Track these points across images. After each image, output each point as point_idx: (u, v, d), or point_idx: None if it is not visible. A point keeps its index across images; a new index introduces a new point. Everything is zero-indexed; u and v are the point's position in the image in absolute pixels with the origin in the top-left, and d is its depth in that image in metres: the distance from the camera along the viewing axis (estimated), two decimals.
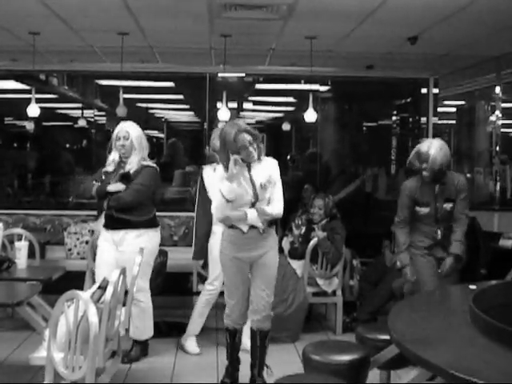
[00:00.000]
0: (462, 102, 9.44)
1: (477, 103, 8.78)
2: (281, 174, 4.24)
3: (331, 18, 5.25)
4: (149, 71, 7.74)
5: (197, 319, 5.30)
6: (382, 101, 9.31)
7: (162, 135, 9.84)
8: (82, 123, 9.05)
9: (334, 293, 5.88)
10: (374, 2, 4.78)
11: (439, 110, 7.88)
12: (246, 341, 4.53)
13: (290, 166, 8.50)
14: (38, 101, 6.73)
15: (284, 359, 4.96)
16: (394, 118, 9.62)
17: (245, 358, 4.43)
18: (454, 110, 9.59)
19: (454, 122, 9.54)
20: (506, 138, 7.99)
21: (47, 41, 6.13)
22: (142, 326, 4.98)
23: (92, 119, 9.02)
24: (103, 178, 4.90)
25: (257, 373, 4.34)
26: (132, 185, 4.81)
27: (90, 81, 8.76)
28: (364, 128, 9.98)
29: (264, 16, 5.16)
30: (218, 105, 7.35)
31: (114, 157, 4.94)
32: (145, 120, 9.33)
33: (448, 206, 4.74)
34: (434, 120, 7.71)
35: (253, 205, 4.09)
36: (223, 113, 6.69)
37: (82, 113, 9.19)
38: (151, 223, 4.96)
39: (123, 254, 4.79)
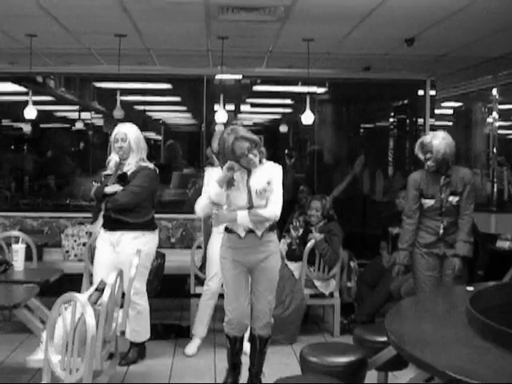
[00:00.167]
0: (459, 104, 9.46)
1: (474, 105, 8.80)
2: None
3: (328, 20, 5.26)
4: (146, 73, 7.74)
5: (196, 321, 5.36)
6: (379, 102, 9.32)
7: (159, 137, 9.82)
8: (79, 125, 9.04)
9: (331, 294, 5.88)
10: (371, 4, 4.79)
11: (436, 111, 7.90)
12: (245, 344, 4.51)
13: (287, 165, 8.47)
14: (35, 103, 6.71)
15: (281, 361, 4.97)
16: (391, 119, 9.63)
17: (243, 361, 4.41)
18: (451, 111, 9.61)
19: (451, 123, 9.56)
20: (503, 139, 8.01)
21: (44, 43, 6.13)
22: (139, 329, 4.97)
23: (89, 121, 9.01)
24: (103, 180, 4.91)
25: (254, 377, 4.32)
26: (128, 186, 4.82)
27: (88, 83, 8.75)
28: (361, 130, 9.99)
29: (261, 18, 5.17)
30: (216, 107, 7.35)
31: (113, 158, 4.95)
32: (142, 122, 9.29)
33: (454, 199, 4.73)
34: (431, 122, 7.71)
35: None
36: (220, 115, 6.70)
37: (80, 115, 9.19)
38: (149, 225, 4.96)
39: (120, 256, 4.79)
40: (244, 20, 5.26)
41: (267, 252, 4.12)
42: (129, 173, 4.86)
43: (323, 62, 6.90)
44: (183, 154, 8.90)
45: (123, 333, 4.72)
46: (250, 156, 3.98)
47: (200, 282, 5.59)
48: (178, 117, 10.50)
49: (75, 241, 6.51)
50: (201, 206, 4.31)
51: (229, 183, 3.97)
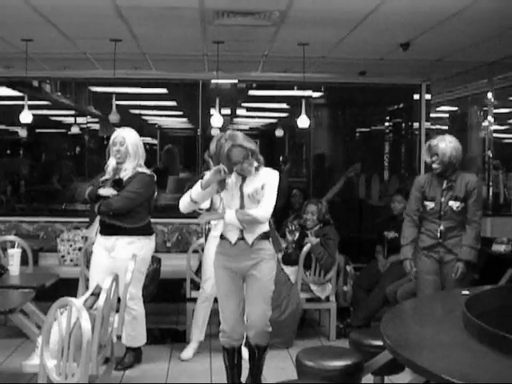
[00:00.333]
0: (455, 108, 9.48)
1: (469, 109, 8.83)
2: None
3: (324, 24, 5.27)
4: (142, 78, 7.74)
5: (193, 325, 5.37)
6: (374, 107, 9.35)
7: (155, 142, 9.83)
8: (75, 130, 9.02)
9: (327, 299, 5.88)
10: (366, 9, 4.79)
11: (432, 115, 7.91)
12: (243, 349, 4.47)
13: (282, 169, 8.47)
14: (31, 107, 6.70)
15: (278, 365, 4.96)
16: (386, 123, 9.66)
17: (243, 366, 4.37)
18: (446, 115, 9.63)
19: (446, 127, 9.58)
20: (499, 143, 8.03)
21: (40, 47, 6.13)
22: (135, 334, 4.96)
23: (85, 126, 9.01)
24: (100, 184, 4.91)
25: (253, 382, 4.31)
26: (123, 191, 4.81)
27: (83, 87, 8.75)
28: (357, 134, 10.01)
29: (256, 22, 5.18)
30: (212, 111, 7.36)
31: (110, 163, 4.95)
32: (138, 127, 9.27)
33: (454, 204, 4.73)
34: (427, 126, 7.73)
35: None
36: (216, 119, 6.70)
37: (75, 119, 9.18)
38: (144, 231, 4.94)
39: (115, 261, 4.78)
40: (239, 24, 5.26)
41: (258, 259, 4.05)
42: (125, 178, 4.85)
43: (319, 66, 6.91)
44: (179, 158, 8.91)
45: (120, 337, 4.72)
46: (245, 165, 3.93)
47: (196, 286, 5.58)
48: (174, 121, 10.52)
49: (71, 245, 6.50)
50: (184, 203, 4.23)
51: (221, 186, 3.93)
